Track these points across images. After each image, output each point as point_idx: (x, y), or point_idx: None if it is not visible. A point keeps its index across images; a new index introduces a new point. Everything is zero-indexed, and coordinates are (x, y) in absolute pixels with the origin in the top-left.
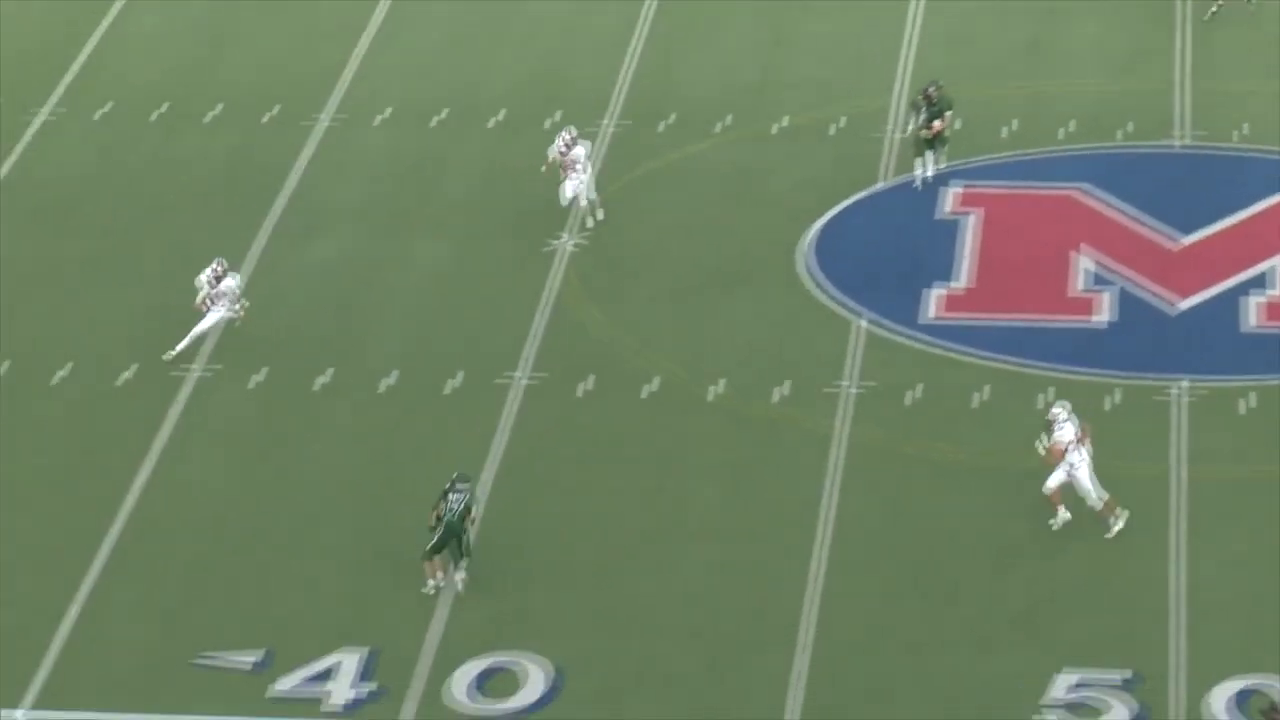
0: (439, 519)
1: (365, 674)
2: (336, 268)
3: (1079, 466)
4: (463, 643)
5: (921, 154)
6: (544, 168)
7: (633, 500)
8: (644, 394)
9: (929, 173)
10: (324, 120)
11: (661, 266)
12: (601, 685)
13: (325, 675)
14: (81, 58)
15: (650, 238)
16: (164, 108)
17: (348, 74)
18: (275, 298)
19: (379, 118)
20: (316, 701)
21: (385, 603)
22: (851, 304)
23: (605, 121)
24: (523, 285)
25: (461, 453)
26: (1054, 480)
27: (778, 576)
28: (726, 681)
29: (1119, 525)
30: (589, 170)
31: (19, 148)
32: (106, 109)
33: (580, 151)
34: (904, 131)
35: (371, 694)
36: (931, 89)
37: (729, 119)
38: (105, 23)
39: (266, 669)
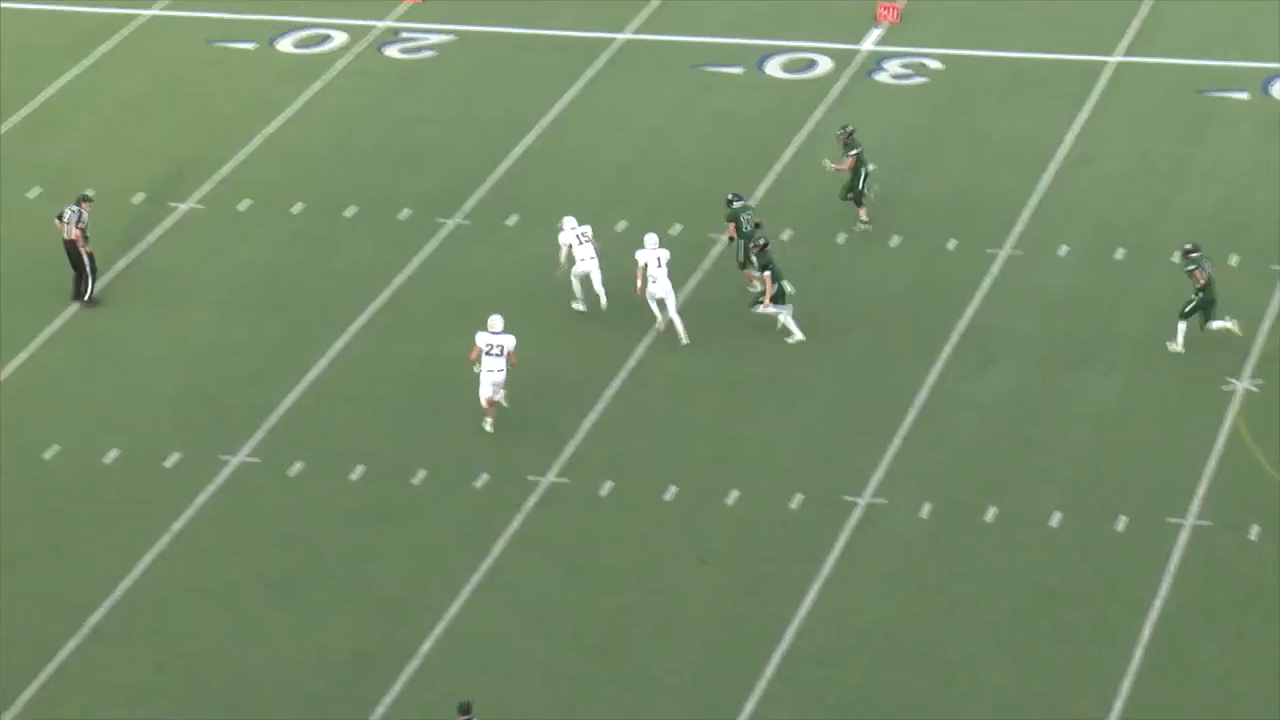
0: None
1: None
2: (1008, 400)
3: None
4: None
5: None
6: None
7: None
8: None
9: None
10: (1004, 251)
11: None
12: None
13: None
14: (760, 189)
15: None
16: (842, 237)
17: (1030, 203)
18: (942, 427)
19: (1062, 249)
20: None
21: None
22: None
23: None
24: (1194, 425)
25: (1127, 594)
26: None
27: None
28: None
29: None
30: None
31: (704, 265)
32: (786, 236)
33: None
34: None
35: None
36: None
37: None
38: (796, 140)
39: None
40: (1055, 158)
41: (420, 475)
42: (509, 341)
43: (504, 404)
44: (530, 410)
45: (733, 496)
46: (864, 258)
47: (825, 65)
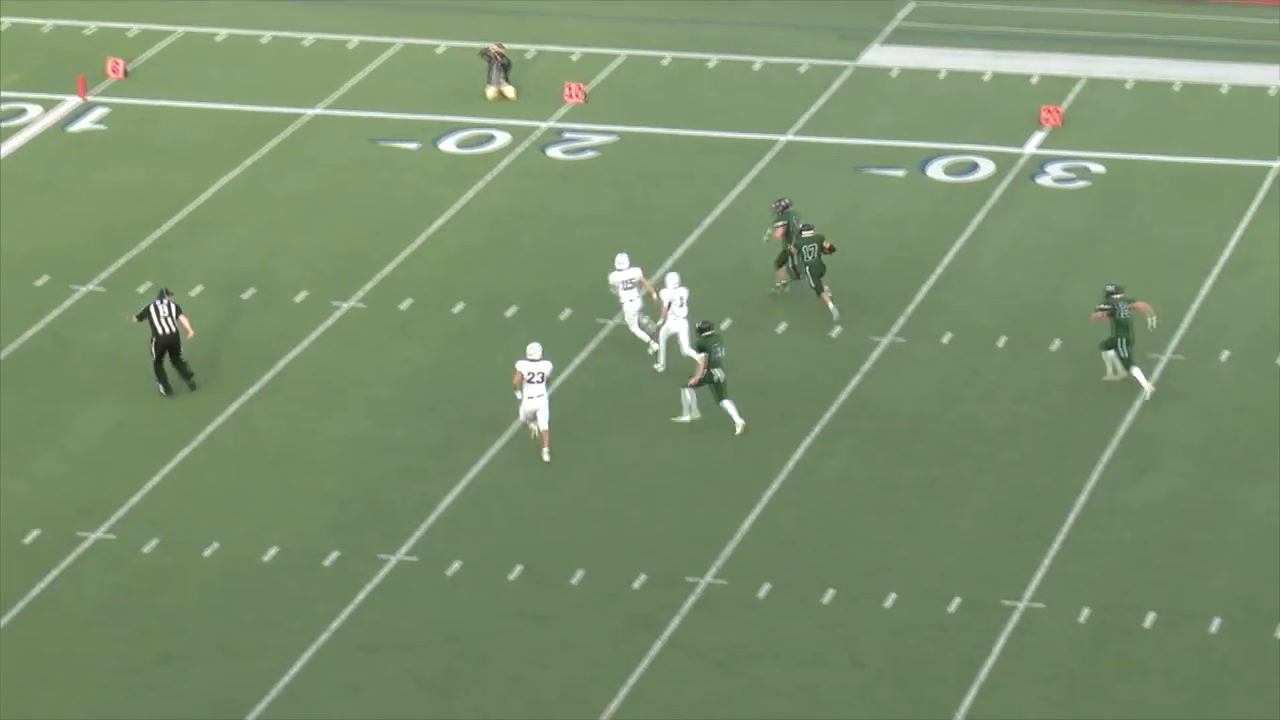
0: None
1: None
2: (1168, 505)
3: None
4: None
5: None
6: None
7: None
8: None
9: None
10: (1165, 356)
11: None
12: None
13: None
14: (921, 291)
15: None
16: (1002, 340)
17: (1192, 308)
18: (1101, 532)
19: (1223, 354)
20: None
21: None
22: None
23: None
24: None
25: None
26: None
27: None
28: None
29: None
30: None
31: (864, 367)
32: (947, 340)
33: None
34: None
35: None
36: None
37: None
38: (958, 243)
39: None
40: (1218, 262)
41: (578, 575)
42: (547, 367)
43: (546, 451)
44: (689, 512)
45: (890, 599)
46: (1024, 361)
47: (988, 168)
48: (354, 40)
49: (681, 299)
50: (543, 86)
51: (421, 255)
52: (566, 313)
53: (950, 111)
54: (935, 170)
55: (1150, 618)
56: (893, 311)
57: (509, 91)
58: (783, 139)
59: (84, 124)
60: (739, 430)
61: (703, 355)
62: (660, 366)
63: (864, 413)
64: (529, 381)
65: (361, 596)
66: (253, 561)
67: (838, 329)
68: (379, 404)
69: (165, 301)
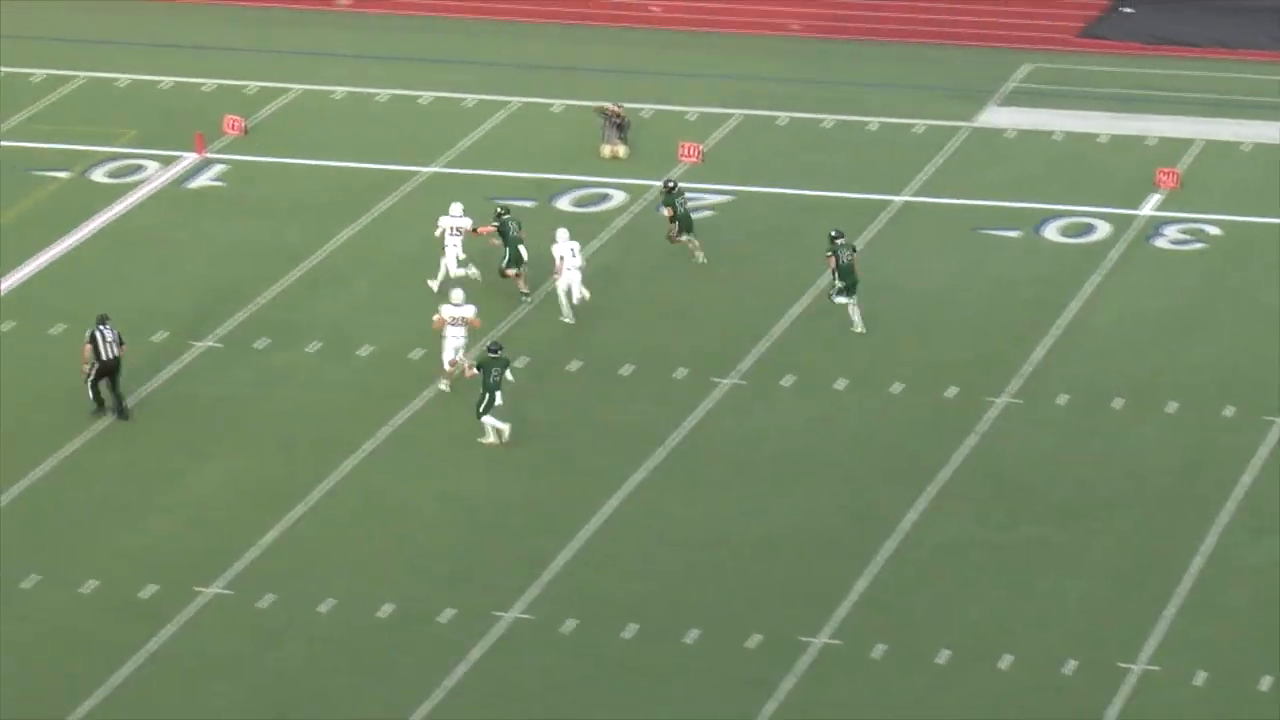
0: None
1: None
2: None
3: None
4: None
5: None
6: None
7: None
8: None
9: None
10: (1277, 419)
11: None
12: None
13: None
14: (1037, 352)
15: None
16: (1119, 402)
17: None
18: (1217, 594)
19: None
20: None
21: None
22: None
23: None
24: None
25: None
26: None
27: None
28: None
29: None
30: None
31: (980, 428)
32: (1063, 401)
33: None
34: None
35: None
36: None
37: None
38: (1073, 305)
39: None
40: None
41: (692, 634)
42: (469, 311)
43: (469, 371)
44: (803, 570)
45: (1005, 661)
46: (1140, 423)
47: (1104, 230)
48: (471, 99)
49: (573, 250)
50: (659, 146)
51: (536, 312)
52: (681, 371)
53: (1066, 173)
54: (1051, 231)
55: (1266, 681)
56: (1008, 372)
57: (621, 151)
58: (899, 199)
59: (202, 180)
60: (505, 437)
61: (477, 371)
62: (567, 319)
63: (979, 473)
64: (451, 324)
65: (476, 653)
66: (368, 618)
67: (953, 389)
68: (494, 461)
69: (107, 327)
